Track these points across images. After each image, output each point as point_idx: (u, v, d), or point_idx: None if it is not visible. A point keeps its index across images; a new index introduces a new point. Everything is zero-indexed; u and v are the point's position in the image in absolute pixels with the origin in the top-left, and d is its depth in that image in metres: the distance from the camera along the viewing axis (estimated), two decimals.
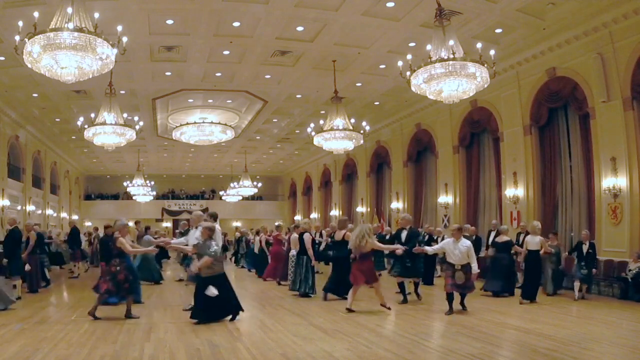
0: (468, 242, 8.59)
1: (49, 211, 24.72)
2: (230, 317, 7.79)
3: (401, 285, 9.81)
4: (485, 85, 8.73)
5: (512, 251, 10.75)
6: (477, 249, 11.68)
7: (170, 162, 31.76)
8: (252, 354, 5.71)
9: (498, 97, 14.35)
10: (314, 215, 29.53)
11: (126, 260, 8.32)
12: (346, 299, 8.79)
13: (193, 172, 36.01)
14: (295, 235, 10.98)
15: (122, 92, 15.75)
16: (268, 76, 15.56)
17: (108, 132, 12.76)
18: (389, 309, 8.56)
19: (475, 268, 8.41)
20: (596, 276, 10.52)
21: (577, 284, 10.04)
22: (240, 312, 7.89)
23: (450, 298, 8.49)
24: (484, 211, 15.75)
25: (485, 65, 8.37)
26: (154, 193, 28.76)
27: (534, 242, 9.74)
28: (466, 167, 16.43)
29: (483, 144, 15.92)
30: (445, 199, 16.90)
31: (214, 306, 7.53)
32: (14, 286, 9.87)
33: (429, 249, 9.20)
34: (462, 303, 8.63)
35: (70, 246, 15.54)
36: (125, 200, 33.41)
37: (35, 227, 11.61)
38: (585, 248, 10.23)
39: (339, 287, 9.78)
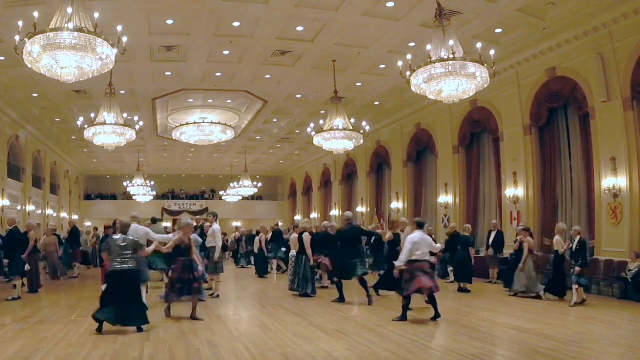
0: (410, 235, 7.99)
1: (49, 211, 24.71)
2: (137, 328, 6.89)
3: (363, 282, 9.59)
4: (485, 85, 8.73)
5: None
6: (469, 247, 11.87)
7: (170, 162, 31.75)
8: (252, 354, 5.71)
9: (498, 97, 14.35)
10: (314, 215, 29.53)
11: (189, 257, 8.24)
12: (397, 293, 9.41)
13: (193, 172, 36.00)
14: (295, 235, 10.99)
15: (122, 92, 15.74)
16: (268, 76, 15.56)
17: (108, 132, 12.75)
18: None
19: (397, 262, 7.80)
20: (590, 275, 10.34)
21: (574, 288, 9.41)
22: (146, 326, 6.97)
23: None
24: (484, 211, 15.75)
25: (485, 65, 8.37)
26: (154, 193, 28.75)
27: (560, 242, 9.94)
28: (466, 167, 16.43)
29: (483, 144, 15.92)
30: (445, 199, 16.90)
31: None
32: (14, 286, 9.87)
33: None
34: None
35: (71, 246, 15.55)
36: (125, 200, 33.37)
37: (36, 227, 11.62)
38: (574, 245, 9.68)
39: (391, 282, 9.92)
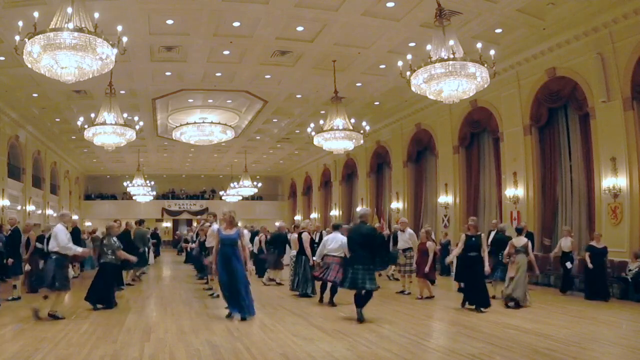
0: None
1: (49, 211, 24.71)
2: None
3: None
4: (485, 85, 8.73)
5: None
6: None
7: (170, 162, 31.76)
8: (252, 354, 5.71)
9: (498, 97, 14.35)
10: (314, 215, 29.52)
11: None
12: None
13: (193, 172, 36.01)
14: (294, 235, 11.00)
15: (122, 92, 15.75)
16: (268, 76, 15.56)
17: (108, 132, 12.75)
18: None
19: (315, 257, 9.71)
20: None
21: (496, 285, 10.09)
22: None
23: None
24: (484, 211, 15.75)
25: (485, 65, 8.37)
26: (154, 193, 28.76)
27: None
28: (466, 167, 16.43)
29: (483, 144, 15.92)
30: (445, 199, 16.90)
31: None
32: (14, 286, 9.86)
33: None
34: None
35: None
36: (125, 200, 33.43)
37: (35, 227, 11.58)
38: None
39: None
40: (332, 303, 9.24)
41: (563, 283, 11.02)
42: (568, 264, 10.72)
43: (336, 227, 9.55)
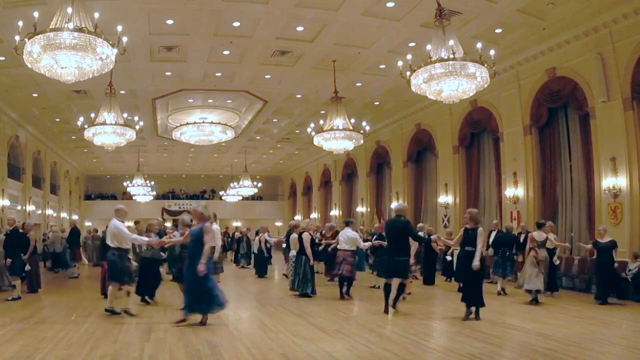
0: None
1: (49, 211, 24.72)
2: None
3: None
4: (485, 85, 8.73)
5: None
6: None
7: (170, 162, 31.75)
8: (252, 354, 5.71)
9: (498, 97, 14.36)
10: (314, 215, 29.53)
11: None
12: None
13: (193, 172, 36.01)
14: (295, 235, 10.99)
15: (122, 92, 15.74)
16: (268, 76, 15.56)
17: (108, 132, 12.76)
18: None
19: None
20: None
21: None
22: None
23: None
24: (484, 211, 15.73)
25: (485, 65, 8.37)
26: (154, 193, 28.75)
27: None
28: (466, 167, 16.42)
29: (483, 144, 15.92)
30: (445, 199, 16.90)
31: None
32: (14, 286, 9.86)
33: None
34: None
35: (70, 246, 15.52)
36: (125, 200, 33.33)
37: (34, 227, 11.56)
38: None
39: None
40: (348, 294, 10.18)
41: (549, 282, 10.09)
42: (555, 260, 10.47)
43: (347, 223, 10.72)
